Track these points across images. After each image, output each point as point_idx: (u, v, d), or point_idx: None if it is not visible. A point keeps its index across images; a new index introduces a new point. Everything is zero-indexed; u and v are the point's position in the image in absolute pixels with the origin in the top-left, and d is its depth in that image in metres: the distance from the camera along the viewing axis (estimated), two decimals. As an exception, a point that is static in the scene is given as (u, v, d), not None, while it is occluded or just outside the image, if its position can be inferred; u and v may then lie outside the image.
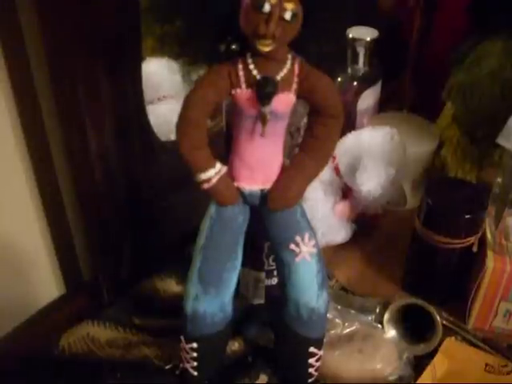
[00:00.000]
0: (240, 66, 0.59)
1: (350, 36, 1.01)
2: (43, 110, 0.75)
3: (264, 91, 0.58)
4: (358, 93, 1.04)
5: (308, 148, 0.64)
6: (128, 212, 0.87)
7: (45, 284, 0.88)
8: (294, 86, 0.60)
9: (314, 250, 0.68)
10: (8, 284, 0.81)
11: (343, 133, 0.95)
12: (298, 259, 0.67)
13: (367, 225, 1.00)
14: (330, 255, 0.96)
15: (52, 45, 0.70)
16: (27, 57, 0.71)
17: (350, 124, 1.04)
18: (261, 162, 0.64)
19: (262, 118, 0.59)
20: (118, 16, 0.72)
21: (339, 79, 1.04)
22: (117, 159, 0.81)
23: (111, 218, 0.85)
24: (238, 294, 0.82)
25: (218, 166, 0.64)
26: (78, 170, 0.80)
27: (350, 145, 0.94)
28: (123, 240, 0.89)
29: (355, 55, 1.02)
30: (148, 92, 0.88)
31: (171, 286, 0.91)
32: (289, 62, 0.59)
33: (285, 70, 0.59)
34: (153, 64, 0.98)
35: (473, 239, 0.83)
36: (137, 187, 0.87)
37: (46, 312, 0.88)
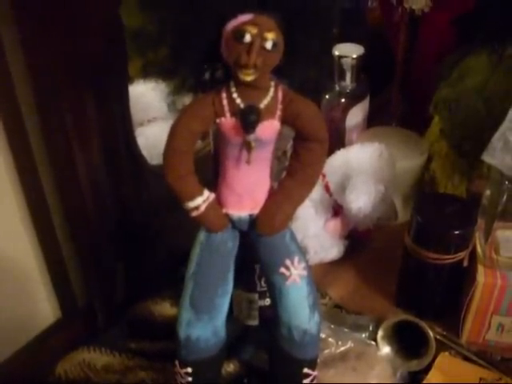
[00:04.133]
0: (224, 95, 0.60)
1: (337, 53, 1.02)
2: (30, 136, 0.75)
3: (248, 119, 0.59)
4: (346, 109, 1.05)
5: (294, 173, 0.65)
6: (120, 236, 0.87)
7: (40, 311, 0.88)
8: (278, 112, 0.61)
9: (304, 273, 0.68)
10: (2, 311, 0.81)
11: (332, 150, 0.96)
12: (288, 282, 0.68)
13: (359, 241, 1.00)
14: (322, 273, 0.96)
15: (37, 70, 0.70)
16: (12, 83, 0.71)
17: (339, 141, 1.05)
18: (248, 189, 0.65)
19: (247, 146, 0.60)
20: (104, 42, 0.73)
21: (327, 96, 1.05)
22: (107, 184, 0.82)
23: (103, 243, 0.86)
24: (231, 316, 0.82)
25: (206, 193, 0.64)
26: (68, 196, 0.80)
27: (338, 163, 0.94)
28: (117, 264, 0.89)
29: (342, 72, 1.03)
30: (137, 114, 0.88)
31: (166, 309, 0.91)
32: (272, 90, 0.60)
33: (268, 98, 0.60)
34: (142, 86, 0.98)
35: (463, 254, 0.84)
36: (128, 211, 0.87)
37: (41, 339, 0.88)
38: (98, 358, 0.85)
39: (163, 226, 0.92)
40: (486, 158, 0.78)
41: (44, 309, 0.89)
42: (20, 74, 0.71)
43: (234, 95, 0.59)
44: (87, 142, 0.77)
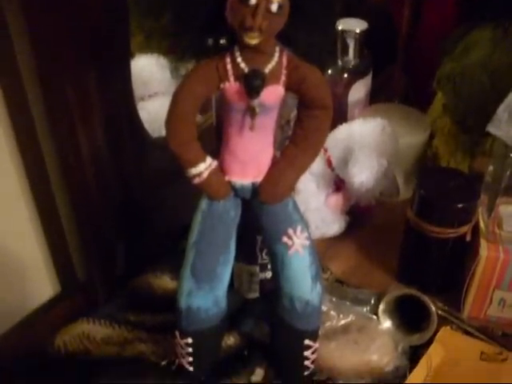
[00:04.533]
0: (228, 60, 0.59)
1: (340, 28, 1.01)
2: (32, 110, 0.74)
3: (252, 84, 0.58)
4: (349, 85, 1.04)
5: (298, 140, 0.64)
6: (121, 209, 0.87)
7: (39, 284, 0.88)
8: (283, 78, 0.60)
9: (307, 243, 0.68)
10: (2, 285, 0.81)
11: (334, 125, 0.95)
12: (290, 252, 0.67)
13: (361, 216, 1.00)
14: (323, 248, 0.96)
15: (39, 43, 0.69)
16: (15, 58, 0.70)
17: (341, 116, 1.04)
18: (251, 156, 0.64)
19: (251, 111, 0.59)
20: (106, 11, 0.72)
21: (329, 71, 1.04)
22: (108, 157, 0.81)
23: (104, 216, 0.85)
24: (232, 289, 0.82)
25: (209, 160, 0.64)
26: (70, 169, 0.79)
27: (341, 137, 0.94)
28: (117, 237, 0.88)
29: (345, 47, 1.02)
30: (139, 89, 0.87)
31: (165, 282, 0.91)
32: (276, 55, 0.59)
33: (273, 63, 0.59)
34: (143, 61, 0.97)
35: (466, 228, 0.83)
36: (129, 184, 0.86)
37: (40, 311, 0.87)
38: (97, 330, 0.84)
39: (164, 200, 0.91)
40: (491, 129, 0.77)
41: (43, 282, 0.88)
42: (23, 50, 0.70)
43: (239, 59, 0.58)
44: (89, 117, 0.76)
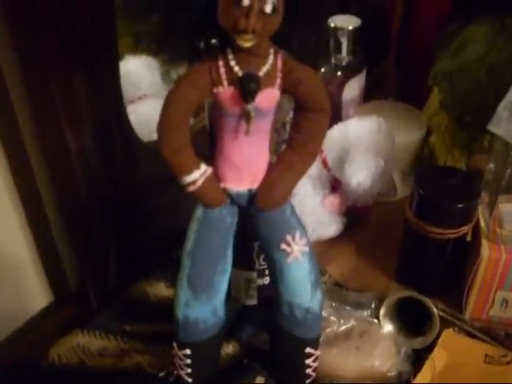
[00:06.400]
0: (221, 63, 0.57)
1: (332, 25, 0.99)
2: (18, 113, 0.72)
3: (247, 88, 0.56)
4: (343, 83, 1.02)
5: (295, 145, 0.62)
6: (112, 216, 0.85)
7: (32, 294, 0.86)
8: (278, 81, 0.58)
9: (306, 249, 0.66)
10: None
11: (329, 125, 0.93)
12: (289, 259, 0.65)
13: (358, 217, 0.98)
14: (321, 250, 0.94)
15: (24, 44, 0.67)
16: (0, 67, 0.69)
17: (336, 115, 1.02)
18: (247, 162, 0.62)
19: (246, 116, 0.57)
20: (93, 13, 0.69)
21: (323, 70, 1.02)
22: (97, 162, 0.79)
23: (95, 223, 0.83)
24: (229, 296, 0.80)
25: (203, 167, 0.61)
26: (58, 176, 0.77)
27: (337, 137, 0.92)
28: (109, 245, 0.87)
29: (338, 44, 1.00)
30: (128, 91, 0.86)
31: (161, 289, 0.89)
32: (271, 57, 0.57)
33: (267, 65, 0.57)
34: (132, 62, 0.96)
35: (466, 228, 0.82)
36: (120, 189, 0.85)
37: (34, 322, 0.86)
38: (92, 341, 0.83)
39: (156, 205, 0.89)
40: (492, 127, 0.75)
41: (35, 293, 0.87)
42: (6, 49, 0.68)
43: (232, 63, 0.56)
44: (76, 117, 0.74)
